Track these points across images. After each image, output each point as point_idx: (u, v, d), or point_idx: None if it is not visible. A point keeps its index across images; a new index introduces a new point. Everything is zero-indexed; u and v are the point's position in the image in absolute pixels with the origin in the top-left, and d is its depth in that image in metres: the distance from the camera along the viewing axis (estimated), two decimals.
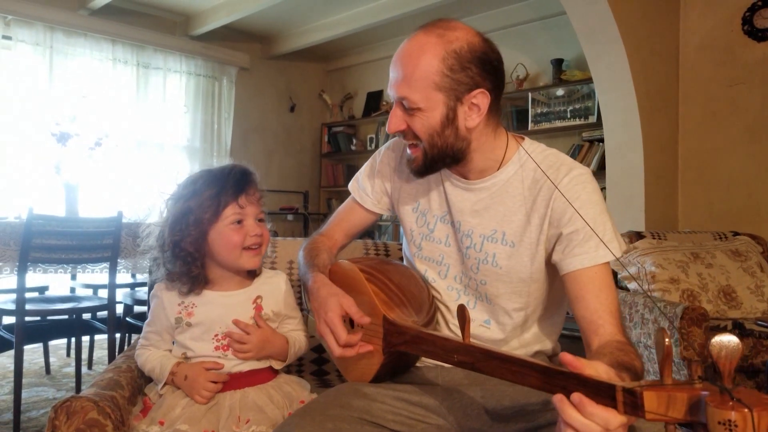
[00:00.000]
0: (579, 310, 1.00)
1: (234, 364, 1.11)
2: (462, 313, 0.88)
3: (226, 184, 1.12)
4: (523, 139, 1.15)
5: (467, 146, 1.07)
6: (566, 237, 1.03)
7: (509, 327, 1.13)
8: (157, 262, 1.16)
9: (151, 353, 1.14)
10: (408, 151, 1.11)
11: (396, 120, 1.06)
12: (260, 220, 1.16)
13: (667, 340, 0.63)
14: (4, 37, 4.23)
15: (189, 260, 1.11)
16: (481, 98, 1.02)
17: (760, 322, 2.23)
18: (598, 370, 0.70)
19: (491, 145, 1.10)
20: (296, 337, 1.19)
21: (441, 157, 1.07)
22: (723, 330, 2.22)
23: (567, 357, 0.70)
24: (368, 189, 1.30)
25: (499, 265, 1.10)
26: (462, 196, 1.14)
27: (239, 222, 1.12)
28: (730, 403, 0.57)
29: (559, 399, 0.68)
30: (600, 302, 0.98)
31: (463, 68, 1.00)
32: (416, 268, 1.22)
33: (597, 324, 0.96)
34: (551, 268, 1.09)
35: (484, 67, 1.02)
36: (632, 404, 0.63)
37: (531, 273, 1.09)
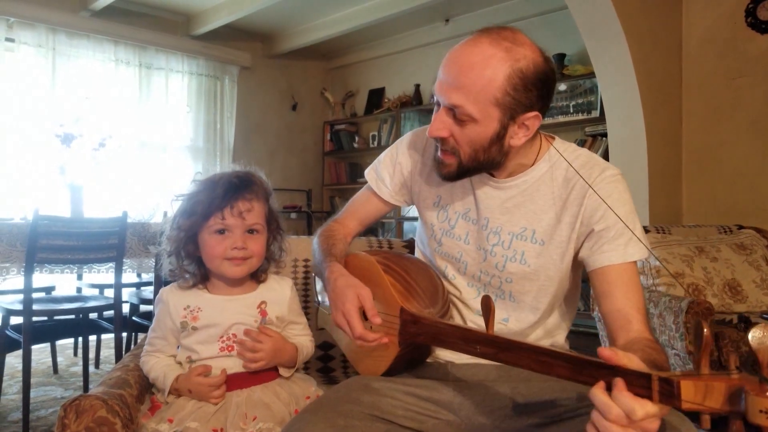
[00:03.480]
0: (606, 305, 1.01)
1: (239, 363, 1.12)
2: (487, 304, 0.88)
3: (215, 193, 1.10)
4: (554, 138, 1.14)
5: (505, 159, 1.06)
6: (597, 234, 1.04)
7: (528, 323, 1.13)
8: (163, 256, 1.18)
9: (156, 361, 1.14)
10: (439, 154, 1.08)
11: (441, 126, 1.02)
12: (252, 231, 1.13)
13: (705, 330, 0.64)
14: (7, 40, 4.24)
15: (182, 256, 1.13)
16: (533, 121, 1.01)
17: (765, 316, 2.23)
18: (633, 361, 0.70)
19: (526, 152, 1.10)
20: (303, 343, 1.19)
21: (476, 168, 1.07)
22: (728, 324, 2.21)
23: (605, 352, 0.70)
24: (387, 180, 1.28)
25: (527, 263, 1.10)
26: (491, 193, 1.13)
27: (222, 232, 1.11)
28: None
29: (597, 386, 0.69)
30: (628, 299, 0.99)
31: (526, 89, 0.98)
32: (436, 264, 1.22)
33: (625, 320, 0.97)
34: (575, 271, 1.11)
35: (543, 90, 1.00)
36: (668, 393, 0.64)
37: (559, 271, 1.09)
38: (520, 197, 1.11)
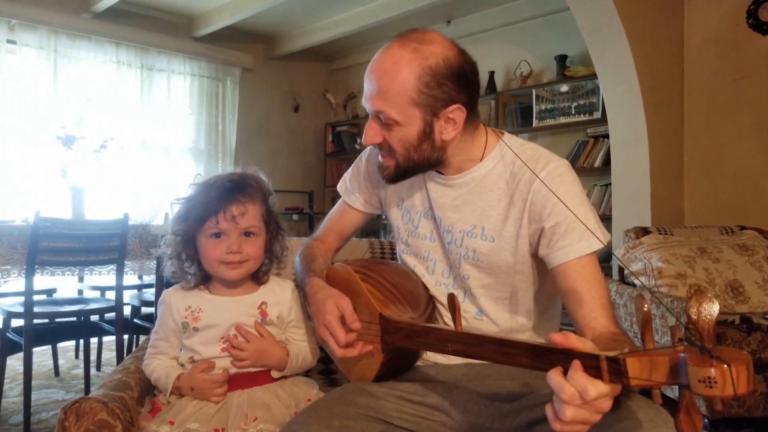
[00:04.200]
0: (571, 304, 1.00)
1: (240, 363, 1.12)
2: (452, 302, 0.89)
3: (208, 198, 1.11)
4: (503, 134, 1.15)
5: (443, 155, 1.08)
6: (548, 231, 1.03)
7: (500, 320, 1.13)
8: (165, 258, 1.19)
9: (158, 363, 1.14)
10: (380, 158, 1.11)
11: (372, 133, 1.07)
12: (249, 234, 1.13)
13: (645, 306, 0.65)
14: (9, 42, 4.25)
15: (182, 259, 1.15)
16: (457, 113, 1.03)
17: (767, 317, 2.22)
18: (586, 345, 0.72)
19: (469, 147, 1.11)
20: (301, 349, 1.19)
21: (414, 168, 1.09)
22: (731, 325, 2.21)
23: (556, 337, 0.73)
24: (356, 190, 1.32)
25: (480, 260, 1.11)
26: (442, 191, 1.15)
27: (218, 236, 1.11)
28: (710, 360, 0.59)
29: (554, 368, 0.72)
30: (591, 295, 0.98)
31: (438, 84, 1.00)
32: (406, 264, 1.23)
33: (590, 317, 0.96)
34: (539, 263, 1.10)
35: (460, 81, 1.02)
36: (617, 372, 0.65)
37: (513, 265, 1.10)
38: (468, 195, 1.12)
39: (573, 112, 4.31)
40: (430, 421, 1.04)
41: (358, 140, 5.99)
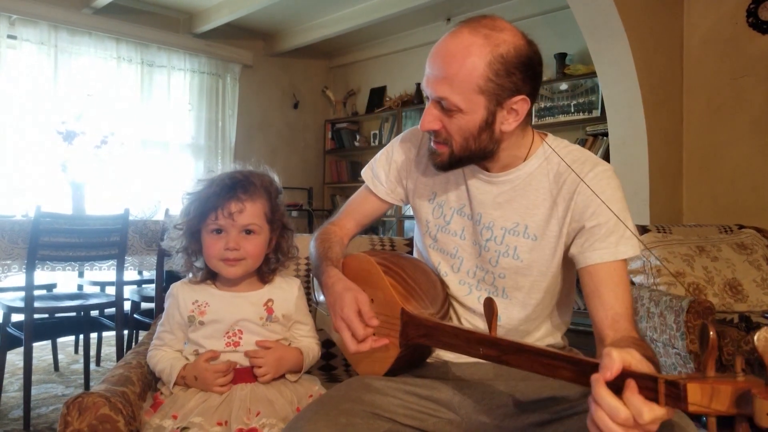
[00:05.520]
0: (594, 304, 1.00)
1: (245, 357, 1.13)
2: (490, 306, 0.87)
3: (209, 193, 1.12)
4: (547, 135, 1.15)
5: (498, 147, 1.06)
6: (588, 230, 1.03)
7: (521, 322, 1.13)
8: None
9: (163, 354, 1.15)
10: (432, 144, 1.08)
11: (431, 119, 1.04)
12: (249, 232, 1.13)
13: (711, 333, 0.64)
14: (9, 37, 4.25)
15: (189, 253, 1.16)
16: (521, 104, 1.02)
17: (766, 315, 2.23)
18: (634, 357, 0.69)
19: (519, 142, 1.10)
20: (309, 346, 1.20)
21: (469, 158, 1.07)
22: (729, 323, 2.22)
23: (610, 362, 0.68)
24: (382, 178, 1.29)
25: (520, 258, 1.10)
26: (484, 188, 1.14)
27: (219, 232, 1.12)
28: None
29: (595, 378, 0.67)
30: (616, 298, 0.99)
31: (508, 74, 0.98)
32: (430, 260, 1.22)
33: (612, 320, 0.97)
34: (566, 262, 1.10)
35: (527, 72, 1.00)
36: (675, 396, 0.63)
37: (551, 267, 1.09)
38: (512, 192, 1.11)
39: (572, 110, 4.32)
40: (436, 418, 1.03)
41: (358, 137, 5.99)
